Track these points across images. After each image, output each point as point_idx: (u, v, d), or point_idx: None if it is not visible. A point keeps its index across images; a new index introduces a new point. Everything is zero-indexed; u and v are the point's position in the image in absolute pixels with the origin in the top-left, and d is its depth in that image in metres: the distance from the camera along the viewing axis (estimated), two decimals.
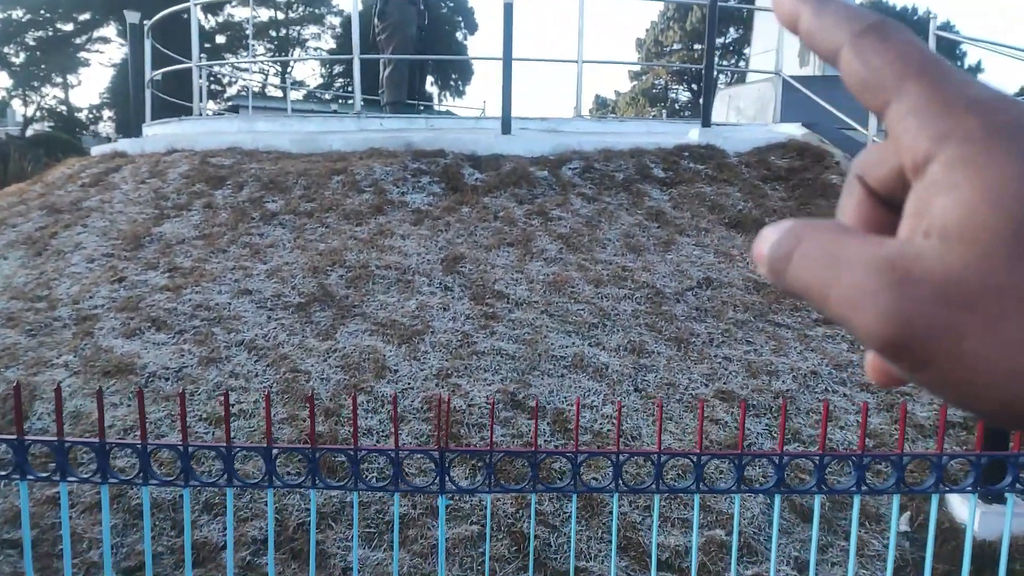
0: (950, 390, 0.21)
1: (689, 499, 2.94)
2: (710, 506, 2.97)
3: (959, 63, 35.54)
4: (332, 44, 35.90)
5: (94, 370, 3.51)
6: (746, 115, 9.69)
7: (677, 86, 39.63)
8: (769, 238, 0.25)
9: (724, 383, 3.59)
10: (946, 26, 8.23)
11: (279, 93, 23.78)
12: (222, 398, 3.02)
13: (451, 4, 34.79)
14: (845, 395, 3.56)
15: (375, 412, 3.30)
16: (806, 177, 5.60)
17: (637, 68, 39.04)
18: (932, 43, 7.98)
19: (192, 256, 4.53)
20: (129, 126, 8.08)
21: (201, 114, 8.89)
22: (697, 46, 35.72)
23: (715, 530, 2.86)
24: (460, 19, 36.70)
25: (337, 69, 35.33)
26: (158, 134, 7.39)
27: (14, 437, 2.17)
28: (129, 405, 3.28)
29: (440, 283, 4.31)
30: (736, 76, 22.03)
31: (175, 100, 9.55)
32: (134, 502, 2.85)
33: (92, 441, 2.19)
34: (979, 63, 36.77)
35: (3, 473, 2.17)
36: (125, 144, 6.76)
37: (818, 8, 0.25)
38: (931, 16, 8.09)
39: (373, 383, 3.45)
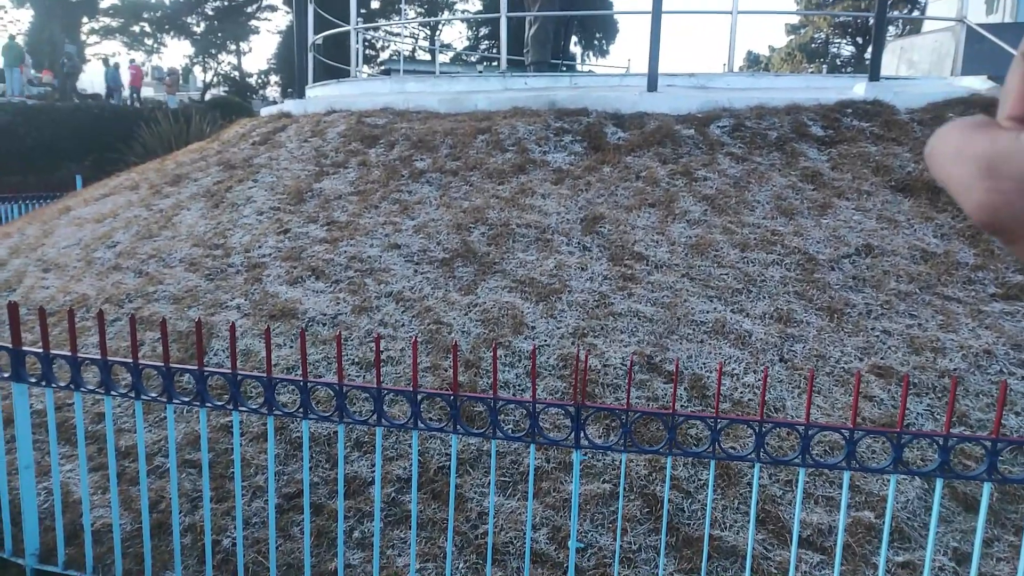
0: None
1: (835, 476, 2.80)
2: (859, 486, 2.80)
3: None
4: (479, 6, 36.23)
5: (262, 313, 3.85)
6: (920, 69, 8.77)
7: (840, 40, 36.49)
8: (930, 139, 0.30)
9: (882, 358, 3.35)
10: None
11: (428, 57, 24.42)
12: (373, 344, 3.21)
13: None
14: (1023, 378, 3.21)
15: (512, 367, 3.38)
16: None
17: (795, 20, 36.32)
18: None
19: (348, 211, 4.80)
20: (293, 88, 8.62)
21: (357, 77, 9.32)
22: None
23: (863, 511, 2.71)
24: None
25: (483, 31, 35.66)
26: (319, 96, 7.84)
27: (196, 368, 2.43)
28: (292, 346, 3.57)
29: (579, 243, 4.31)
30: (909, 26, 19.97)
31: (334, 63, 10.07)
32: (294, 434, 3.11)
33: (261, 376, 2.41)
34: None
35: (186, 399, 2.45)
36: (290, 105, 7.23)
37: None
38: None
39: (511, 338, 3.53)
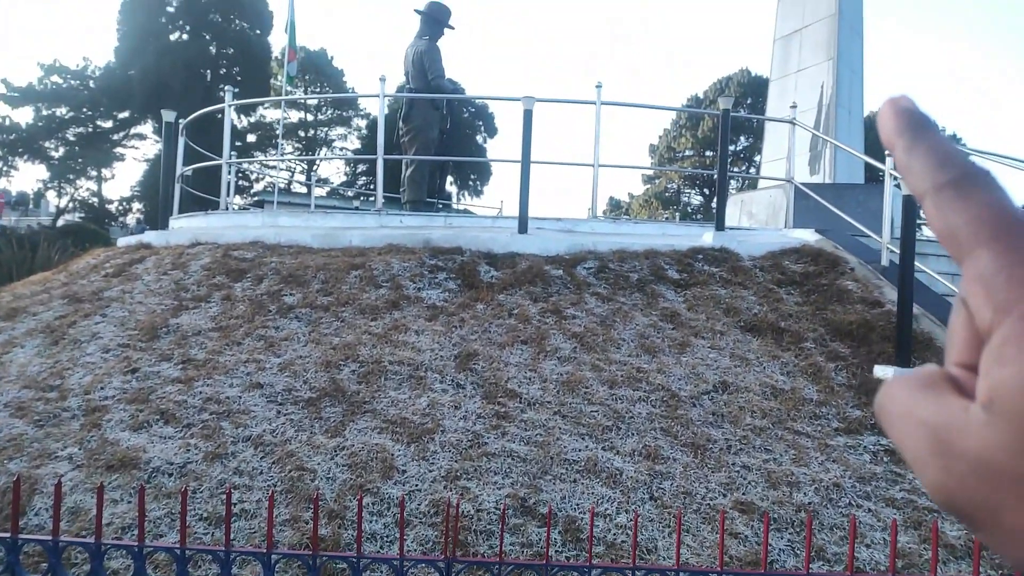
0: (1005, 553, 0.22)
1: None
2: None
3: None
4: (357, 144, 37.40)
5: (98, 464, 3.45)
6: (758, 220, 9.83)
7: (689, 190, 40.54)
8: (878, 392, 0.27)
9: (743, 493, 3.46)
10: (953, 138, 8.46)
11: (304, 190, 24.57)
12: (224, 497, 2.93)
13: (473, 109, 36.36)
14: (870, 510, 3.40)
15: (380, 515, 3.19)
16: (821, 283, 5.60)
17: (650, 172, 40.12)
18: None
19: (207, 348, 4.54)
20: (157, 218, 8.32)
21: (227, 208, 9.16)
22: (709, 152, 36.80)
23: None
24: (481, 123, 38.25)
25: (361, 168, 36.62)
26: (184, 227, 7.59)
27: (8, 535, 2.10)
28: (130, 501, 3.19)
29: (452, 380, 4.27)
30: (748, 182, 22.54)
31: (203, 195, 9.88)
32: None
33: (87, 542, 2.12)
34: None
35: None
36: (151, 236, 6.93)
37: (909, 146, 0.25)
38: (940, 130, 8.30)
39: (380, 484, 3.36)
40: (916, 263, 4.65)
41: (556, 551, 3.04)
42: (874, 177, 12.78)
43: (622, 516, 3.27)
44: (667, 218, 33.14)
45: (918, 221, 5.48)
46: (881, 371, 4.44)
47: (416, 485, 3.38)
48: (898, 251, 4.68)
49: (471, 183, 38.45)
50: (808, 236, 6.40)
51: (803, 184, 7.65)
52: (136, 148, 33.27)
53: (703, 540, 3.17)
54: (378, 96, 7.20)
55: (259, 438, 3.66)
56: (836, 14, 10.21)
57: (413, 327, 4.80)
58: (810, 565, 2.04)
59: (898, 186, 5.44)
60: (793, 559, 3.09)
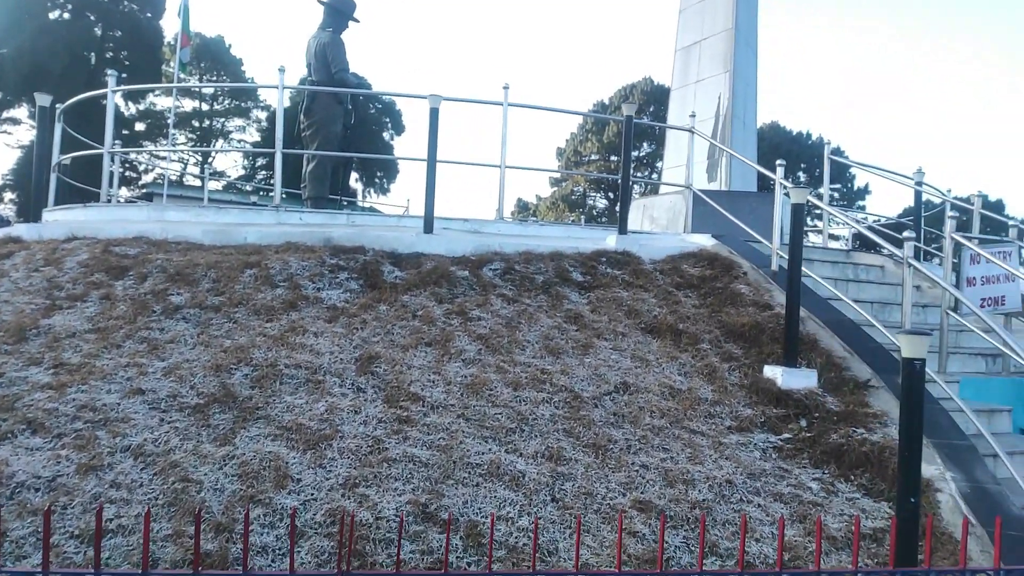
0: None
1: None
2: None
3: (848, 186, 38.87)
4: (257, 137, 35.99)
5: None
6: (659, 224, 10.13)
7: (595, 193, 41.46)
8: None
9: (642, 492, 3.52)
10: (836, 151, 8.99)
11: (198, 183, 23.41)
12: (97, 511, 2.71)
13: (379, 105, 35.74)
14: (759, 505, 3.54)
15: (273, 527, 3.04)
16: (716, 286, 5.81)
17: (557, 175, 40.74)
18: (827, 167, 8.69)
19: (82, 351, 4.20)
20: (30, 210, 7.66)
21: (110, 201, 8.56)
22: (613, 157, 37.75)
23: None
24: (387, 120, 37.66)
25: (260, 161, 35.27)
26: (59, 220, 7.03)
27: None
28: None
29: (352, 384, 4.14)
30: (650, 187, 23.28)
31: (85, 186, 9.20)
32: None
33: None
34: (866, 185, 40.34)
35: None
36: (21, 229, 6.37)
37: None
38: (826, 143, 8.83)
39: (272, 494, 3.20)
40: (803, 268, 4.90)
41: (457, 557, 2.99)
42: (765, 186, 13.48)
43: (524, 519, 3.25)
44: (573, 221, 33.77)
45: (805, 228, 5.78)
46: (771, 371, 4.65)
47: (312, 494, 3.25)
48: (787, 257, 4.91)
49: (377, 180, 37.79)
50: (705, 241, 6.64)
51: (701, 191, 7.93)
52: (9, 134, 30.67)
53: (603, 540, 3.20)
54: (278, 87, 6.92)
55: (139, 448, 3.41)
56: (732, 28, 10.67)
57: (312, 329, 4.62)
58: (704, 561, 2.08)
59: (787, 195, 5.73)
60: (688, 555, 3.17)
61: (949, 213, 5.72)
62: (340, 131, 8.13)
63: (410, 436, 3.72)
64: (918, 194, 8.03)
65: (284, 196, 7.18)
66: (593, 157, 39.69)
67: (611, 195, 39.62)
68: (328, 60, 7.82)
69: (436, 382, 4.23)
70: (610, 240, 6.39)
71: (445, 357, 4.48)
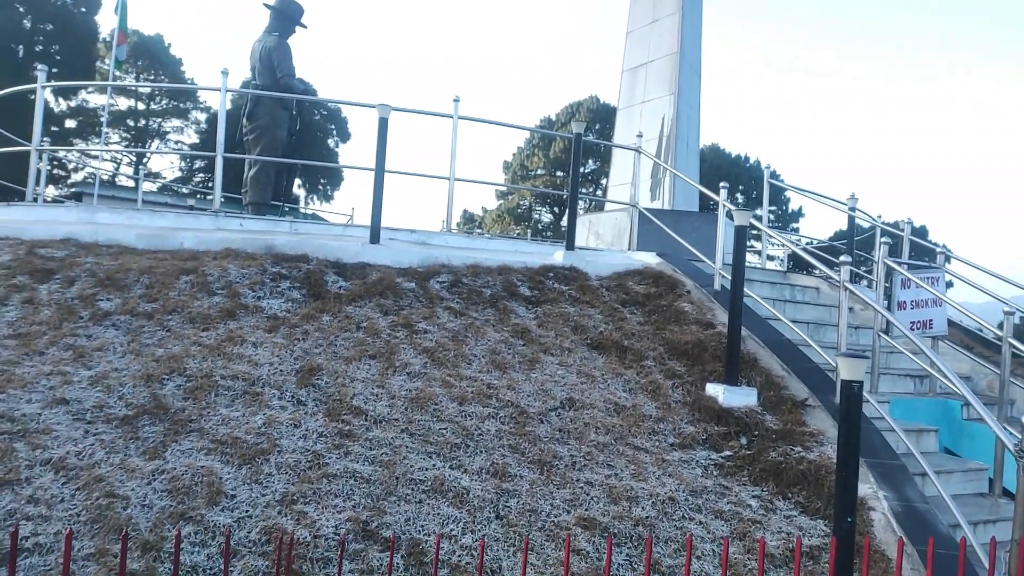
0: None
1: None
2: None
3: (783, 208, 40.27)
4: (195, 139, 34.94)
5: None
6: (605, 240, 10.24)
7: (541, 208, 41.76)
8: None
9: (586, 509, 3.51)
10: (773, 174, 9.27)
11: (132, 184, 22.55)
12: (12, 531, 2.53)
13: (325, 112, 35.22)
14: (701, 523, 3.57)
15: (204, 545, 2.90)
16: (661, 304, 5.89)
17: (504, 188, 40.89)
18: (766, 189, 8.95)
19: (0, 358, 3.95)
20: None
21: (37, 200, 8.14)
22: (559, 172, 38.14)
23: None
24: (333, 127, 37.14)
25: (198, 164, 34.25)
26: None
27: None
28: None
29: (292, 396, 4.01)
30: (595, 203, 23.55)
31: (9, 184, 8.74)
32: None
33: None
34: (800, 208, 41.84)
35: None
36: None
37: None
38: (766, 167, 9.11)
39: (205, 510, 3.05)
40: (744, 288, 5.00)
41: None
42: (706, 206, 13.80)
43: (468, 537, 3.20)
44: (519, 234, 33.87)
45: (746, 249, 5.91)
46: (712, 389, 4.72)
47: (247, 511, 3.12)
48: (729, 276, 5.01)
49: (321, 187, 37.16)
50: (650, 259, 6.73)
51: (646, 209, 8.05)
52: None
53: (547, 558, 3.17)
54: (219, 89, 6.72)
55: (61, 461, 3.21)
56: (678, 52, 10.93)
57: (250, 339, 4.47)
58: None
59: (730, 216, 5.87)
60: (632, 573, 3.16)
61: (880, 239, 5.95)
62: (285, 137, 7.96)
63: (352, 451, 3.62)
64: (851, 219, 8.35)
65: (224, 201, 6.97)
66: (539, 172, 40.00)
67: (556, 210, 39.99)
68: (274, 64, 7.65)
69: (380, 395, 4.13)
70: (557, 255, 6.41)
71: (389, 370, 4.39)
